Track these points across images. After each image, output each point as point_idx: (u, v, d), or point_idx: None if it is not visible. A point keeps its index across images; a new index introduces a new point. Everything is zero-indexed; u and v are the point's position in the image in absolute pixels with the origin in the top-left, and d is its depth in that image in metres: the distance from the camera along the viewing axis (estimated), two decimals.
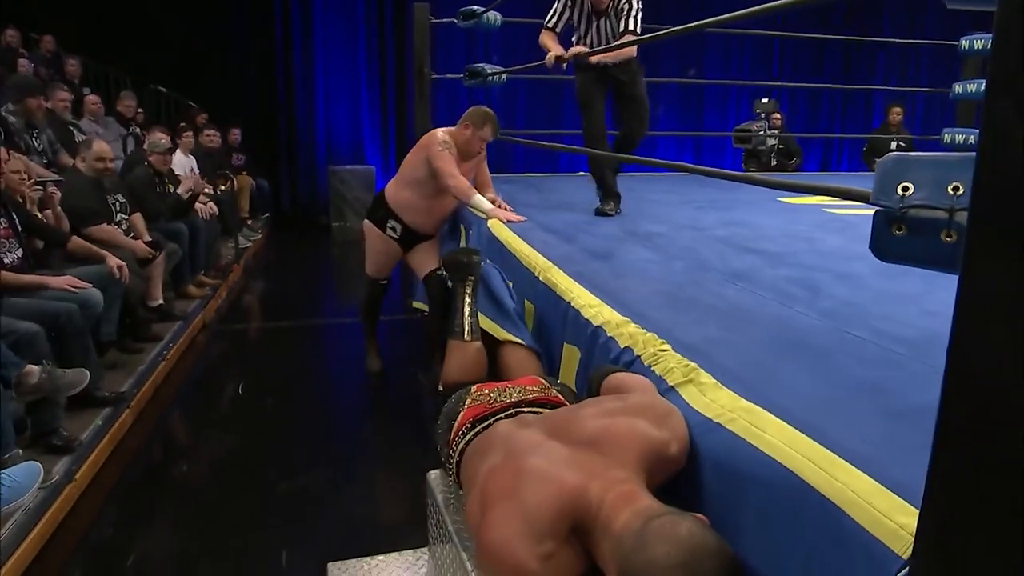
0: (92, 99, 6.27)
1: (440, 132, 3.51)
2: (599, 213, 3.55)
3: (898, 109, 7.47)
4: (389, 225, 3.69)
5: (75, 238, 3.67)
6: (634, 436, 1.25)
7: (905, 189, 1.00)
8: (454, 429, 1.64)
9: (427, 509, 1.91)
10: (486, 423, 1.59)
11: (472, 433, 1.59)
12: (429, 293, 3.74)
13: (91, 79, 7.56)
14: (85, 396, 3.09)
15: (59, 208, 3.70)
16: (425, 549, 2.07)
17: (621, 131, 3.84)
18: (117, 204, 4.34)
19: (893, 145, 6.58)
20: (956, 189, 0.96)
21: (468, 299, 2.13)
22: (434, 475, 1.88)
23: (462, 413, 1.66)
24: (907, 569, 0.79)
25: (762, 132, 7.14)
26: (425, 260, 3.73)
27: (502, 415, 1.60)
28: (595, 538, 1.14)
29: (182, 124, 7.02)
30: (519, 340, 2.10)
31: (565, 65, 3.66)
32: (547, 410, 1.62)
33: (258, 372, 4.40)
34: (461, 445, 1.59)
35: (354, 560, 2.08)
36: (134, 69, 8.30)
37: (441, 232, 3.88)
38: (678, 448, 1.26)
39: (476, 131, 3.48)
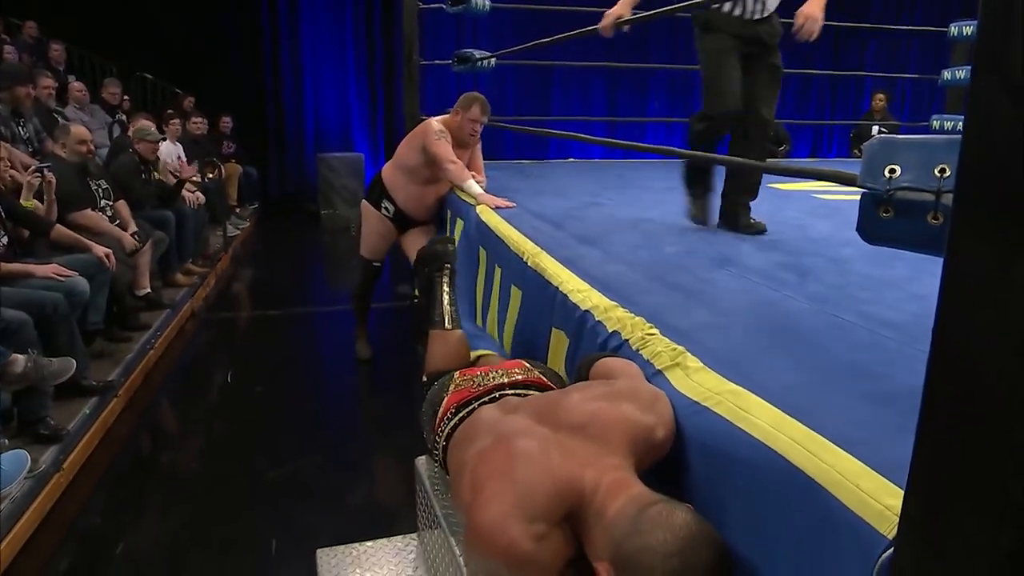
0: (77, 86, 6.20)
1: (435, 122, 3.56)
2: (695, 219, 2.95)
3: (881, 96, 7.48)
4: (384, 205, 3.76)
5: (59, 226, 3.64)
6: (622, 421, 1.25)
7: (892, 171, 1.00)
8: (439, 415, 1.64)
9: (415, 495, 1.91)
10: (470, 407, 1.58)
11: (457, 418, 1.58)
12: (418, 277, 3.77)
13: (75, 66, 7.48)
14: (72, 385, 3.07)
15: (53, 195, 3.67)
16: (414, 535, 2.07)
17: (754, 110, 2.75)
18: (100, 190, 4.31)
19: (875, 130, 6.60)
20: (943, 171, 0.96)
21: (446, 288, 2.14)
22: (422, 461, 1.88)
23: (446, 399, 1.65)
24: (892, 549, 0.80)
25: None
26: (417, 243, 3.77)
27: (485, 399, 1.60)
28: (587, 524, 1.14)
29: (168, 111, 6.96)
30: (490, 352, 2.11)
31: (628, 29, 2.80)
32: (531, 391, 1.62)
33: (247, 360, 4.39)
34: (447, 430, 1.59)
35: (342, 547, 2.08)
36: (119, 56, 8.22)
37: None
38: (664, 433, 1.26)
39: (464, 113, 3.52)
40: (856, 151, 7.43)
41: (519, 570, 1.13)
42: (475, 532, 1.17)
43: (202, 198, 5.88)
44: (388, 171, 3.77)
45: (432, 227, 3.86)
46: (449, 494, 1.71)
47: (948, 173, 0.93)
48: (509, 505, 1.14)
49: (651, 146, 3.32)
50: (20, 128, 4.80)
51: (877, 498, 0.88)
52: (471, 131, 3.56)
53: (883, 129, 6.61)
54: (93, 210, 4.12)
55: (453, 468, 1.51)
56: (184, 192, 5.55)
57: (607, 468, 1.18)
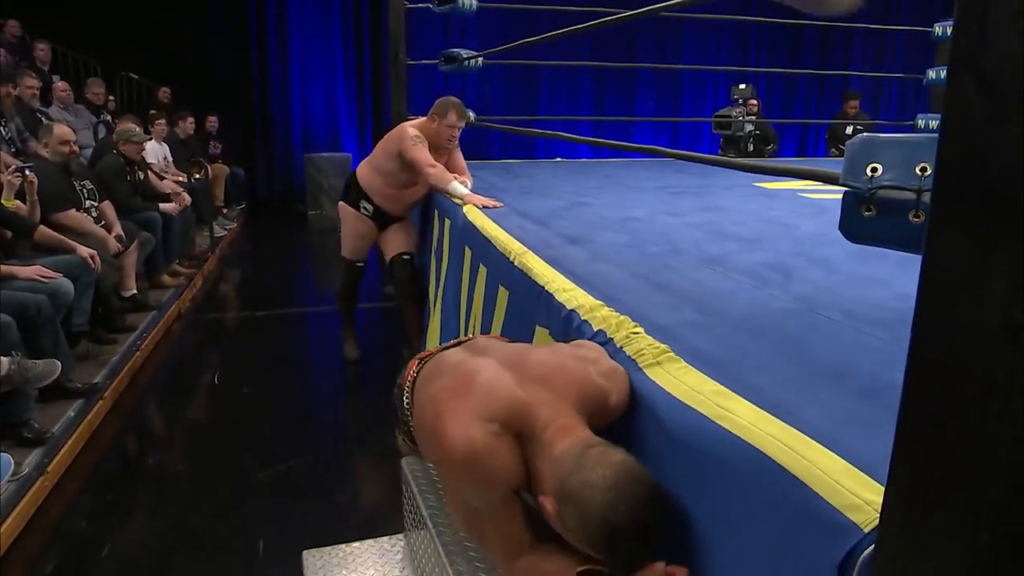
0: (61, 86, 6.16)
1: (409, 128, 3.56)
2: None
3: (854, 103, 7.48)
4: (362, 205, 3.75)
5: (42, 227, 3.61)
6: (581, 380, 1.36)
7: (874, 170, 1.01)
8: (404, 377, 1.63)
9: (403, 495, 1.91)
10: (433, 356, 1.61)
11: (422, 365, 1.59)
12: (394, 277, 3.85)
13: (60, 65, 7.42)
14: (57, 387, 3.05)
15: (35, 196, 3.64)
16: (401, 535, 2.07)
17: None
18: (84, 191, 4.28)
19: (849, 130, 6.62)
20: (924, 170, 0.96)
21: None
22: (409, 461, 1.87)
23: (410, 363, 1.66)
24: (872, 545, 0.80)
25: (740, 118, 7.15)
26: (395, 242, 3.83)
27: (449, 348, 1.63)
28: (536, 454, 1.25)
29: (152, 111, 6.93)
30: None
31: None
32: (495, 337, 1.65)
33: (234, 361, 4.38)
34: (413, 379, 1.59)
35: (329, 548, 2.07)
36: (105, 55, 8.17)
37: (413, 217, 3.96)
38: (617, 400, 1.36)
39: (441, 120, 3.52)
40: (833, 151, 7.47)
41: (479, 467, 1.24)
42: (438, 442, 1.28)
43: (188, 199, 5.86)
44: (364, 173, 3.76)
45: (408, 222, 3.90)
46: (439, 496, 1.70)
47: (929, 172, 0.94)
48: (468, 410, 1.27)
49: (638, 146, 3.33)
50: (2, 128, 4.77)
51: (859, 494, 0.88)
52: (449, 137, 3.56)
53: (859, 128, 6.63)
54: (78, 211, 4.10)
55: (417, 410, 1.52)
56: (171, 196, 5.53)
57: (560, 412, 1.28)
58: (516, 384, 1.33)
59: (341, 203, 3.87)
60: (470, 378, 1.35)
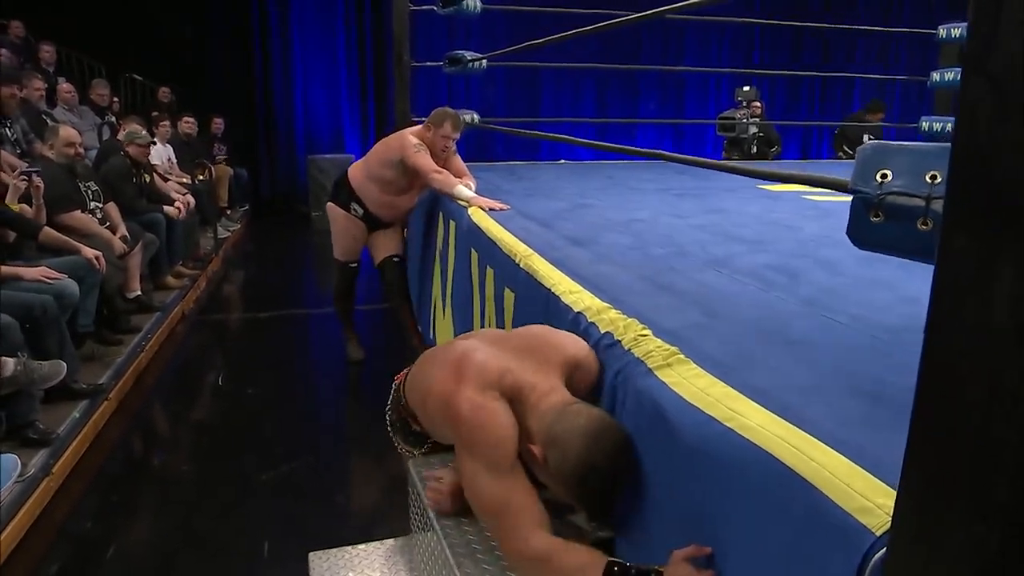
0: (65, 87, 6.16)
1: (409, 135, 3.59)
2: None
3: (880, 115, 7.41)
4: (353, 207, 3.78)
5: (47, 229, 3.62)
6: (559, 351, 1.56)
7: (883, 176, 1.01)
8: (397, 380, 1.82)
9: (408, 497, 1.91)
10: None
11: (406, 375, 1.77)
12: (384, 279, 3.97)
13: (64, 66, 7.43)
14: (62, 388, 3.06)
15: (41, 199, 3.64)
16: (407, 537, 2.07)
17: None
18: (90, 192, 4.29)
19: (866, 137, 6.58)
20: (934, 178, 0.96)
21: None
22: (415, 463, 1.87)
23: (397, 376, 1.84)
24: (884, 548, 0.80)
25: (745, 120, 7.13)
26: (384, 245, 3.91)
27: None
28: (524, 413, 1.44)
29: (155, 113, 6.94)
30: None
31: None
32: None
33: (238, 362, 4.38)
34: (404, 380, 1.76)
35: (335, 549, 2.07)
36: (108, 57, 8.18)
37: (409, 223, 4.04)
38: (587, 363, 1.57)
39: (437, 130, 3.56)
40: (840, 152, 7.43)
41: (489, 425, 1.40)
42: (451, 418, 1.45)
43: (192, 200, 5.86)
44: (358, 178, 3.77)
45: (399, 227, 3.95)
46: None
47: (939, 180, 0.94)
48: (469, 386, 1.45)
49: (639, 149, 3.32)
50: (7, 129, 4.77)
51: (869, 497, 0.88)
52: (443, 147, 3.59)
53: (871, 136, 6.60)
54: (83, 212, 4.10)
55: (417, 402, 1.68)
56: (173, 194, 5.54)
57: (543, 376, 1.48)
58: (502, 356, 1.52)
59: (330, 204, 3.88)
60: (461, 361, 1.51)
